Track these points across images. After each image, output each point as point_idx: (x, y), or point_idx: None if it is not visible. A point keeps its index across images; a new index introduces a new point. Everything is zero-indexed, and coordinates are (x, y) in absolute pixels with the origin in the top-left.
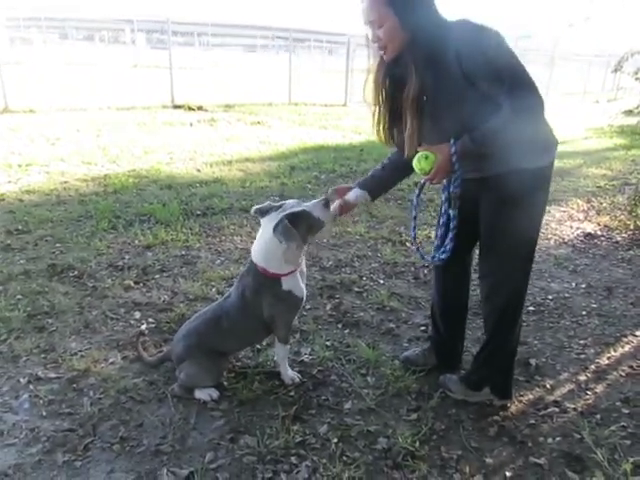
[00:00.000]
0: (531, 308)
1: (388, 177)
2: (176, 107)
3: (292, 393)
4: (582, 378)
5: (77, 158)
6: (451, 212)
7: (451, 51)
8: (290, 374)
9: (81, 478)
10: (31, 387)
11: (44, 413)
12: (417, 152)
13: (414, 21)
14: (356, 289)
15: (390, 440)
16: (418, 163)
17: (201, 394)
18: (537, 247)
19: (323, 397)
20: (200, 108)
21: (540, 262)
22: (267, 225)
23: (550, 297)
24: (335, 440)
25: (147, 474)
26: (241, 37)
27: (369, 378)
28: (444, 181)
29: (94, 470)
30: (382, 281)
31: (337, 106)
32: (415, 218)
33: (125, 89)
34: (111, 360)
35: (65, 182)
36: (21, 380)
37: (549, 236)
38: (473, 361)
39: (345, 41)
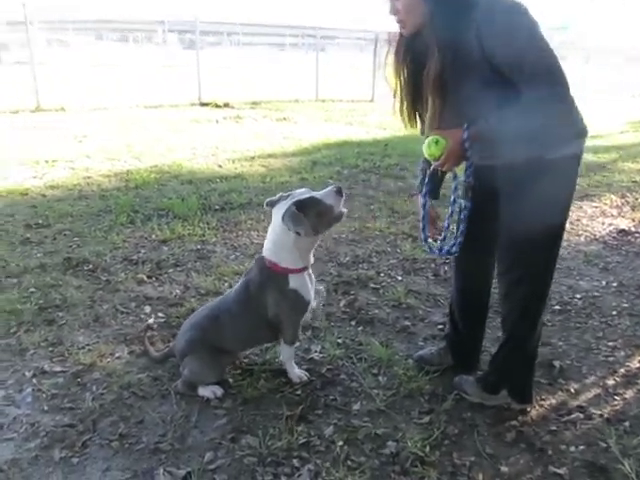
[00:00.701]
0: (557, 307)
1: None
2: (203, 105)
3: (299, 392)
4: (610, 382)
5: (102, 155)
6: (462, 202)
7: (472, 29)
8: (297, 372)
9: (76, 475)
10: (35, 381)
11: (46, 407)
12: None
13: None
14: (372, 285)
15: (399, 444)
16: (428, 148)
17: (204, 391)
18: (566, 243)
19: (331, 397)
20: (227, 105)
21: (569, 259)
22: (276, 215)
23: (578, 296)
24: (340, 443)
25: (144, 473)
26: (271, 36)
27: (380, 378)
28: (455, 169)
29: (90, 468)
30: (400, 277)
31: (364, 102)
32: (424, 206)
33: (154, 88)
34: (117, 355)
35: (88, 177)
36: (26, 373)
37: (580, 232)
38: (490, 362)
39: (373, 38)
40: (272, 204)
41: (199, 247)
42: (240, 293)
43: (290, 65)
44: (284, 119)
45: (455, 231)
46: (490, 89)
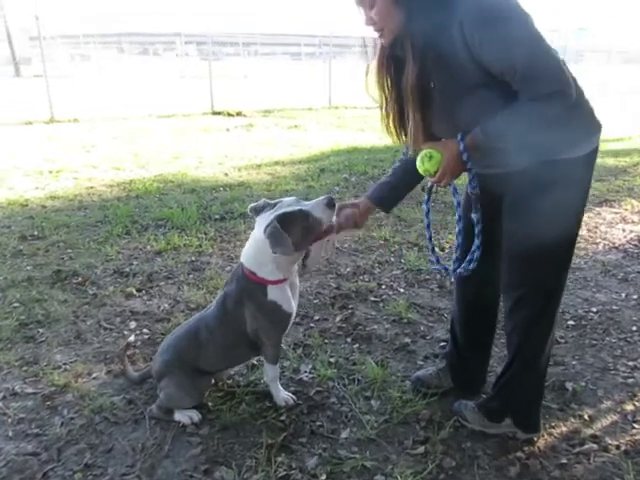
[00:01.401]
0: (571, 322)
1: (399, 183)
2: (215, 114)
3: (283, 417)
4: (629, 408)
5: (108, 164)
6: (473, 216)
7: (455, 26)
8: (283, 395)
9: None
10: (3, 404)
11: (10, 434)
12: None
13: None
14: (372, 298)
15: (388, 479)
16: (421, 164)
17: (181, 416)
18: (583, 252)
19: (318, 423)
20: (239, 114)
21: (585, 269)
22: (259, 226)
23: (594, 309)
24: (323, 477)
25: None
26: (288, 45)
27: (373, 402)
28: (454, 182)
29: None
30: (402, 290)
31: (378, 108)
32: (429, 227)
33: (169, 99)
34: (94, 375)
35: (91, 187)
36: None
37: (597, 240)
38: (493, 386)
39: None
40: (256, 211)
41: (194, 259)
42: (218, 307)
43: (305, 74)
44: (295, 127)
45: (464, 248)
46: (482, 93)
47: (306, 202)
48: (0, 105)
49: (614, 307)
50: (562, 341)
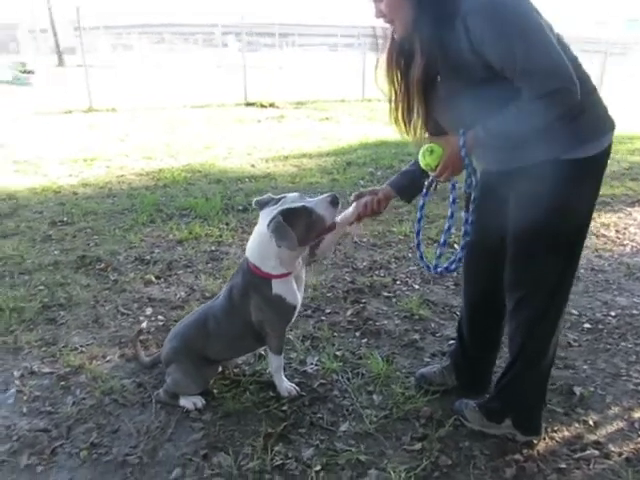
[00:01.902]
0: (587, 325)
1: (419, 174)
2: (248, 105)
3: (285, 408)
4: (636, 415)
5: (139, 153)
6: (463, 215)
7: (459, 22)
8: (286, 386)
9: None
10: (21, 382)
11: (25, 410)
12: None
13: None
14: (385, 294)
15: (381, 473)
16: (423, 158)
17: (186, 402)
18: (608, 254)
19: (318, 415)
20: (272, 105)
21: (608, 271)
22: (263, 220)
23: (613, 314)
24: (318, 467)
25: None
26: (326, 36)
27: (375, 396)
28: (454, 179)
29: (53, 478)
30: (417, 286)
31: (387, 102)
32: (420, 221)
33: (205, 89)
34: (108, 358)
35: (121, 176)
36: (15, 373)
37: (625, 242)
38: (495, 386)
39: None
40: (261, 205)
41: (213, 248)
42: (225, 298)
43: (341, 65)
44: (326, 119)
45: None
46: (486, 90)
47: (310, 199)
48: (42, 94)
49: (634, 312)
50: (575, 344)
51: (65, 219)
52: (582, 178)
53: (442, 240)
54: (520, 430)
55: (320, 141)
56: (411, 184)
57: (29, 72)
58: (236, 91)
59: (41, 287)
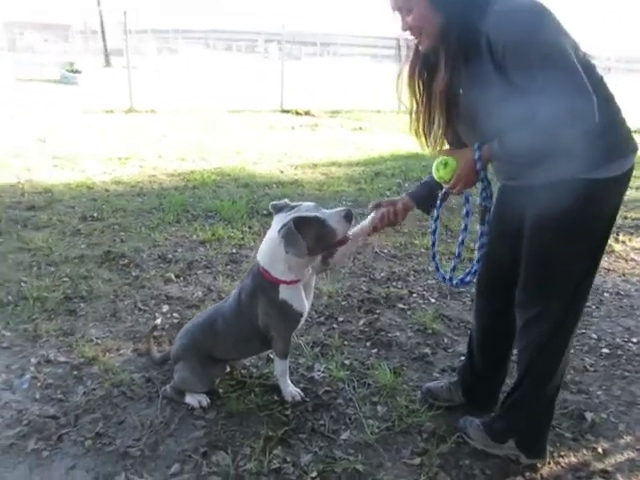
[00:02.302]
0: (605, 350)
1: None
2: (284, 112)
3: (288, 412)
4: None
5: (173, 154)
6: (479, 228)
7: (483, 36)
8: (291, 390)
9: (42, 469)
10: (36, 369)
11: (37, 396)
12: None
13: (446, 2)
14: (400, 305)
15: None
16: (437, 170)
17: (191, 399)
18: (636, 278)
19: (320, 422)
20: (307, 113)
21: (635, 297)
22: (276, 224)
23: (634, 340)
24: (314, 474)
25: (106, 477)
26: (368, 47)
27: (379, 407)
28: (468, 191)
29: (57, 463)
30: (433, 300)
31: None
32: (434, 232)
33: (243, 94)
34: (121, 351)
35: (153, 175)
36: (32, 360)
37: None
38: (500, 405)
39: None
40: (276, 209)
41: (234, 251)
42: (234, 299)
43: (379, 76)
44: (360, 129)
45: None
46: (507, 104)
47: (325, 210)
48: (87, 93)
49: None
50: (591, 369)
51: (95, 215)
52: (601, 199)
53: (457, 252)
54: (524, 452)
55: (351, 150)
56: (430, 195)
57: (76, 72)
58: (273, 98)
59: (65, 279)
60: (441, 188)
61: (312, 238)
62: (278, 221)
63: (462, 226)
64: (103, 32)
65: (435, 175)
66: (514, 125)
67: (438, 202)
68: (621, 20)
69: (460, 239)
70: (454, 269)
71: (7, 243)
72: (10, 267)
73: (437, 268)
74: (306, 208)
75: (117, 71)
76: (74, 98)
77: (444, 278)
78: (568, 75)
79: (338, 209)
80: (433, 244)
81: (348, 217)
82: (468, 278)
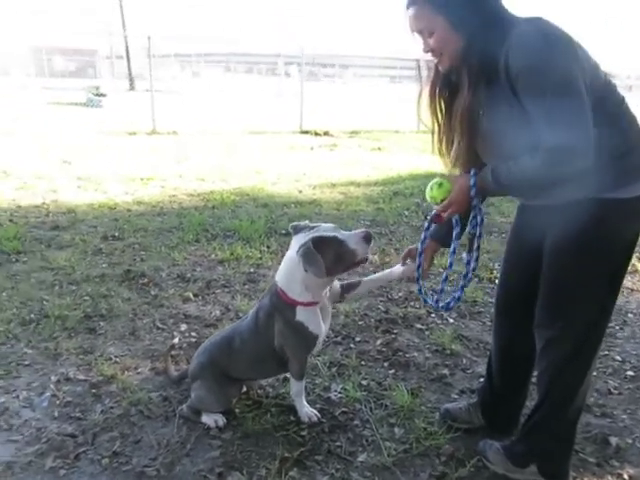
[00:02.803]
0: (630, 373)
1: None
2: (303, 132)
3: (304, 433)
4: None
5: (193, 175)
6: (465, 256)
7: (502, 57)
8: (307, 411)
9: None
10: (56, 387)
11: (56, 414)
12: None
13: (468, 23)
14: (418, 326)
15: None
16: (430, 190)
17: (207, 419)
18: None
19: (337, 443)
20: (326, 134)
21: None
22: (295, 245)
23: None
24: None
25: None
26: (387, 68)
27: (397, 429)
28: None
29: None
30: (452, 320)
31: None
32: (420, 255)
33: (263, 116)
34: (139, 370)
35: (174, 196)
36: (52, 378)
37: None
38: (520, 428)
39: None
40: (296, 230)
41: (252, 270)
42: (251, 319)
43: (397, 97)
44: (378, 149)
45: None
46: (525, 126)
47: (344, 232)
48: (111, 116)
49: None
50: (615, 392)
51: (116, 234)
52: (622, 219)
53: (444, 276)
54: (546, 477)
55: (370, 170)
56: (450, 231)
57: (102, 95)
58: (293, 119)
59: (86, 297)
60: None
61: (331, 258)
62: (297, 241)
63: (450, 249)
64: (128, 57)
65: (427, 194)
66: (509, 156)
67: (426, 224)
68: (623, 27)
69: (448, 262)
70: (441, 291)
71: (31, 262)
72: (33, 286)
73: (420, 291)
74: (325, 229)
75: (141, 94)
76: (99, 121)
77: (425, 301)
78: (573, 113)
79: (357, 231)
80: (418, 267)
81: (367, 238)
82: (452, 304)
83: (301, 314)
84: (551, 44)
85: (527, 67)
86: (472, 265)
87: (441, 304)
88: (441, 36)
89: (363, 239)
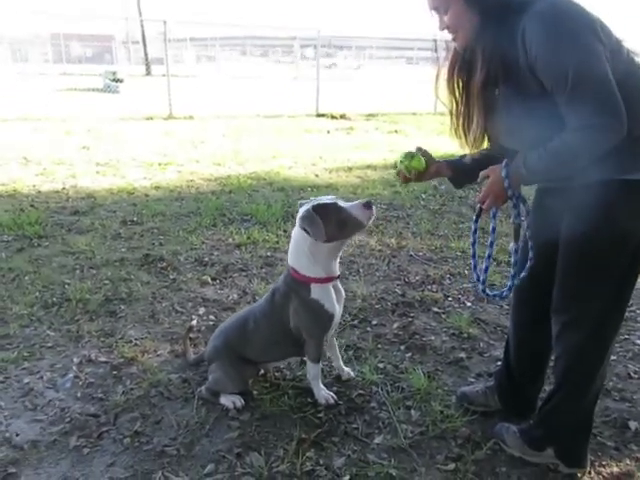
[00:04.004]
0: None
1: (474, 167)
2: (319, 116)
3: (321, 415)
4: None
5: (210, 159)
6: (512, 246)
7: (519, 36)
8: (324, 393)
9: (83, 466)
10: (78, 368)
11: (79, 395)
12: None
13: (483, 1)
14: (435, 309)
15: None
16: (405, 158)
17: (226, 400)
18: None
19: (353, 425)
20: (342, 117)
21: None
22: (297, 218)
23: None
24: (347, 477)
25: (143, 474)
26: (403, 50)
27: (413, 412)
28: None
29: (97, 460)
30: (469, 304)
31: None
32: (474, 244)
33: (279, 100)
34: (159, 352)
35: (191, 180)
36: (74, 359)
37: None
38: (537, 412)
39: None
40: (302, 207)
41: (269, 254)
42: (266, 301)
43: (415, 78)
44: (395, 131)
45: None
46: (542, 105)
47: (345, 202)
48: (128, 101)
49: None
50: (635, 376)
51: (135, 219)
52: (638, 200)
53: (485, 266)
54: (564, 461)
55: (386, 153)
56: (467, 170)
57: (119, 80)
58: (309, 102)
59: (106, 281)
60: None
61: (331, 223)
62: (299, 214)
63: (488, 242)
64: (144, 42)
65: (402, 163)
66: (552, 126)
67: (474, 217)
68: None
69: (487, 253)
70: (484, 282)
71: (52, 247)
72: (54, 270)
73: (478, 279)
74: (326, 199)
75: (157, 79)
76: (116, 106)
77: (484, 291)
78: (599, 91)
79: (359, 200)
80: (473, 255)
81: (368, 205)
82: (505, 293)
83: (316, 292)
84: (570, 22)
85: (545, 50)
86: (529, 255)
87: (493, 293)
88: (456, 13)
89: (364, 205)
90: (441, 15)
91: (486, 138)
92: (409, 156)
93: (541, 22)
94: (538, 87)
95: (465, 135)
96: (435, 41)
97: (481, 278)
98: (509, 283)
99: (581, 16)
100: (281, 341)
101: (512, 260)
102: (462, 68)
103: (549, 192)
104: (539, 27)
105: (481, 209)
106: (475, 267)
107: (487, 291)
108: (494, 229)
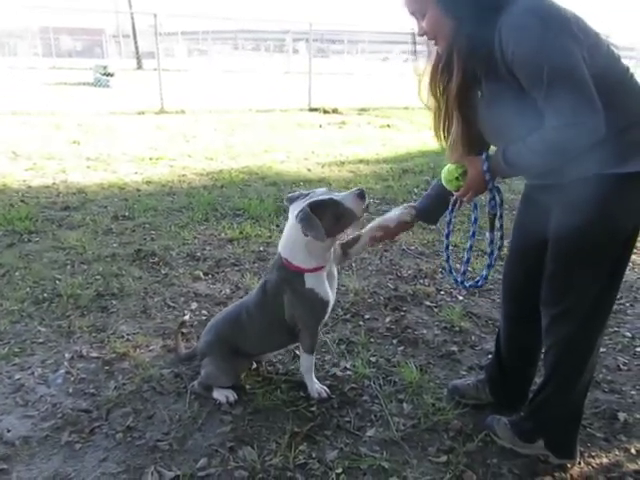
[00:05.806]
0: (639, 349)
1: (440, 195)
2: (312, 110)
3: (313, 408)
4: None
5: (202, 154)
6: (488, 235)
7: (496, 36)
8: (317, 387)
9: (75, 461)
10: (69, 364)
11: (71, 390)
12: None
13: (458, 6)
14: (427, 303)
15: None
16: (455, 179)
17: (219, 394)
18: None
19: (346, 418)
20: (335, 111)
21: None
22: (292, 213)
23: None
24: (339, 470)
25: (135, 469)
26: (397, 44)
27: (405, 405)
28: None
29: (89, 456)
30: (461, 298)
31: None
32: (448, 236)
33: (270, 94)
34: (151, 347)
35: (183, 175)
36: (66, 355)
37: None
38: (528, 404)
39: None
40: (291, 201)
41: (261, 249)
42: (257, 293)
43: (408, 73)
44: (387, 126)
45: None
46: (524, 105)
47: (337, 193)
48: (119, 95)
49: None
50: (624, 368)
51: (127, 214)
52: (627, 194)
53: (466, 257)
54: (554, 452)
55: (379, 148)
56: (435, 208)
57: (110, 74)
58: (301, 96)
59: (98, 277)
60: (451, 193)
61: (329, 220)
62: (295, 209)
63: (470, 232)
64: (135, 35)
65: (447, 182)
66: (534, 124)
67: (450, 207)
68: None
69: (468, 244)
70: (464, 273)
71: (43, 242)
72: (45, 265)
73: (450, 271)
74: (319, 193)
75: (148, 73)
76: (107, 100)
77: (456, 281)
78: (575, 90)
79: (351, 190)
80: (446, 247)
81: (361, 195)
82: (480, 282)
83: (310, 281)
84: (543, 24)
85: (521, 50)
86: (498, 244)
87: (468, 283)
88: (433, 19)
89: (358, 197)
90: (419, 20)
91: (468, 141)
92: (461, 174)
93: (514, 26)
94: (519, 86)
95: (445, 136)
96: (413, 37)
97: (462, 269)
98: (484, 272)
99: (554, 17)
100: (276, 331)
101: (488, 250)
102: (443, 71)
103: (535, 191)
104: (515, 27)
105: (459, 201)
106: (448, 259)
107: (465, 283)
108: (476, 220)
